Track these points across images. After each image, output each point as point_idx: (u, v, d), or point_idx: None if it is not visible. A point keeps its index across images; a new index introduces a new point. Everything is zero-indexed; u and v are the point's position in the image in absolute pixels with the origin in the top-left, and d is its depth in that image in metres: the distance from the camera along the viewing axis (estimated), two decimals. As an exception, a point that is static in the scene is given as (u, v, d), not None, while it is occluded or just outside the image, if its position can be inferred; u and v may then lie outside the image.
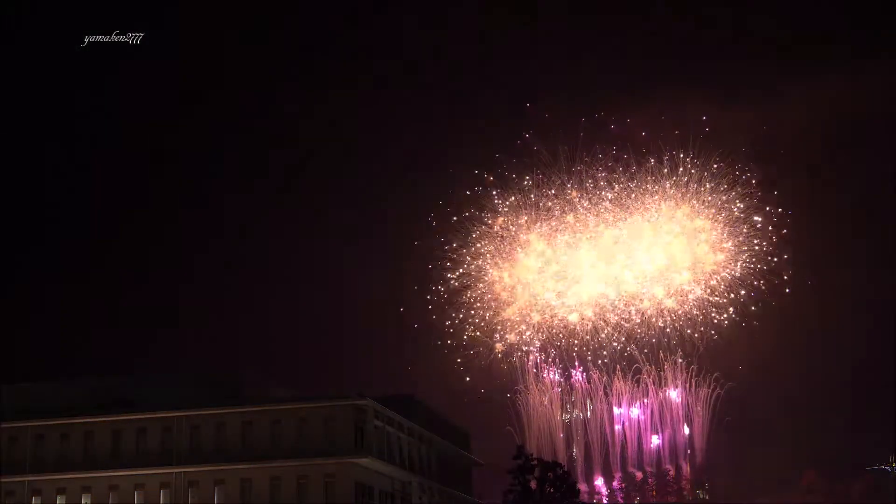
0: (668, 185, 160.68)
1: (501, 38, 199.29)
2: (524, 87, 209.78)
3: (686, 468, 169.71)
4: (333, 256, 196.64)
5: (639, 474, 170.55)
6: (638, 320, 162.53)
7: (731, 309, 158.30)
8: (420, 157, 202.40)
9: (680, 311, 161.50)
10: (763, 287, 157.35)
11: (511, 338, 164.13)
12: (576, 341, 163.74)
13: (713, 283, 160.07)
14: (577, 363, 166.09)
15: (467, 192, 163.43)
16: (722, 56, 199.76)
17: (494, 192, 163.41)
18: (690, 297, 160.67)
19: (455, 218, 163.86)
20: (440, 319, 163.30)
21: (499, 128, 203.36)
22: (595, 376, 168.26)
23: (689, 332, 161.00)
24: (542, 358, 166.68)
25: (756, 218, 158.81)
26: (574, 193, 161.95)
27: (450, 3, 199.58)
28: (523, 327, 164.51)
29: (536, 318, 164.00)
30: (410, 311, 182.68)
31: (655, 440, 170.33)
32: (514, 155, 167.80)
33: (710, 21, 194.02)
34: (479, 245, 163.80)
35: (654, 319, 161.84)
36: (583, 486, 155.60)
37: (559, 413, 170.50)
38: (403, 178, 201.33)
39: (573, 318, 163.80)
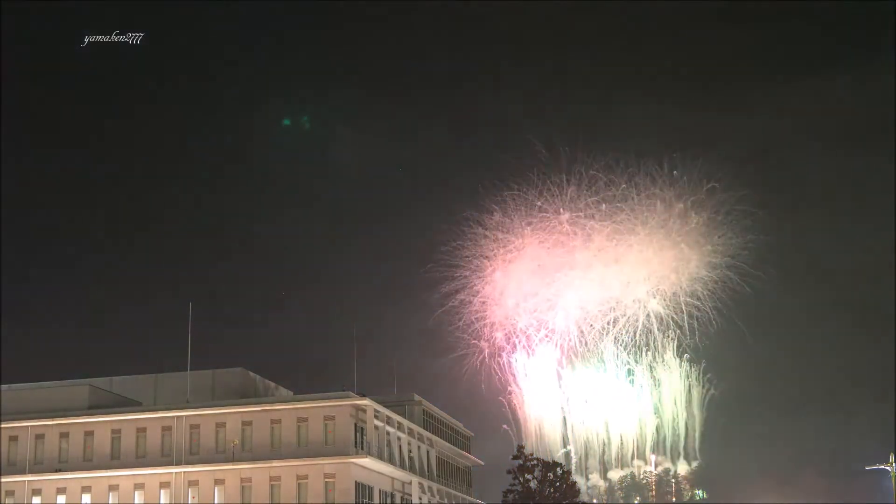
0: (659, 188, 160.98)
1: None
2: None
3: (685, 467, 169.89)
4: (334, 256, 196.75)
5: (637, 472, 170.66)
6: (624, 322, 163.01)
7: (723, 310, 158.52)
8: (421, 158, 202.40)
9: (665, 313, 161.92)
10: (757, 287, 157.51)
11: (500, 337, 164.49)
12: (568, 340, 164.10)
13: (699, 286, 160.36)
14: (566, 363, 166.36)
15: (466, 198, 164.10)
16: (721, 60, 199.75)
17: (491, 192, 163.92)
18: (677, 298, 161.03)
19: (453, 218, 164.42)
20: (439, 319, 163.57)
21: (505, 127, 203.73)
22: (589, 376, 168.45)
23: (677, 332, 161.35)
24: (531, 357, 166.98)
25: (747, 220, 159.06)
26: (571, 190, 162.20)
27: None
28: (511, 328, 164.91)
29: (524, 319, 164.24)
30: (411, 311, 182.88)
31: (652, 439, 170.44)
32: (516, 153, 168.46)
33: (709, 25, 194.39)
34: (475, 246, 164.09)
35: (640, 321, 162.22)
36: (579, 479, 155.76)
37: (554, 412, 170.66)
38: (404, 180, 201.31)
39: (559, 319, 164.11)
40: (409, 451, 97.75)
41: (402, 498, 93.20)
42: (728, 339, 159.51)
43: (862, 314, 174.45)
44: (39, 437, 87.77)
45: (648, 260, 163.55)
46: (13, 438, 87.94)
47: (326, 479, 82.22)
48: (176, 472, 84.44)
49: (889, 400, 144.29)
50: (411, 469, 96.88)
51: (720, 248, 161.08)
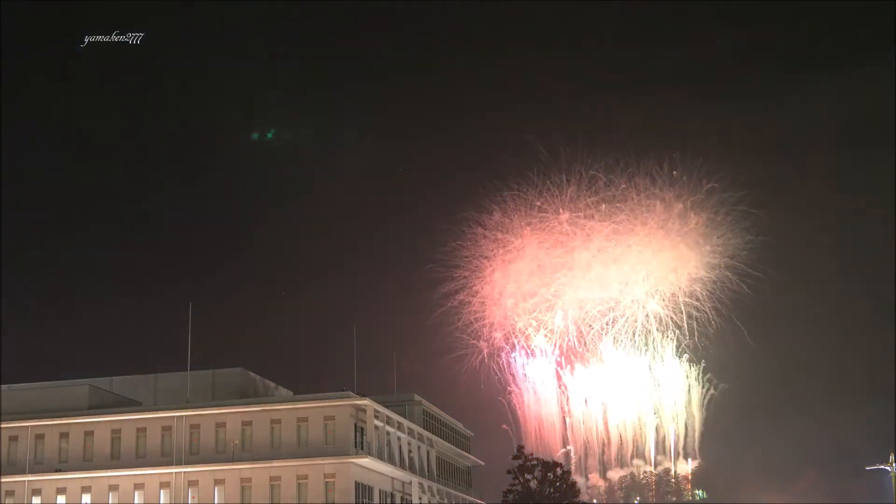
0: (659, 188, 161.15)
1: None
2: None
3: (685, 467, 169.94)
4: (334, 257, 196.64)
5: (637, 472, 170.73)
6: (623, 322, 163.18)
7: (722, 310, 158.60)
8: (421, 158, 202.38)
9: (664, 314, 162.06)
10: (756, 287, 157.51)
11: (498, 337, 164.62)
12: (567, 340, 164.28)
13: (698, 286, 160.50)
14: (565, 363, 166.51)
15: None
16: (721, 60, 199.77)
17: (490, 191, 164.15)
18: (676, 299, 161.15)
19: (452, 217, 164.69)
20: (439, 319, 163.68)
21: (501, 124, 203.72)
22: (587, 374, 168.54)
23: (677, 332, 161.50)
24: (530, 357, 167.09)
25: (747, 221, 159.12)
26: (571, 190, 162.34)
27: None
28: (510, 328, 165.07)
29: (523, 319, 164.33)
30: (411, 311, 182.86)
31: (652, 439, 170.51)
32: (515, 153, 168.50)
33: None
34: (475, 246, 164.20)
35: (639, 321, 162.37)
36: (579, 479, 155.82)
37: (554, 412, 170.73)
38: (404, 180, 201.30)
39: (558, 319, 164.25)
40: (409, 451, 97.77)
41: (402, 498, 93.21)
42: (727, 339, 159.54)
43: (862, 314, 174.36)
44: (39, 437, 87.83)
45: (647, 260, 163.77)
46: (13, 438, 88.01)
47: (326, 479, 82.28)
48: (176, 472, 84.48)
49: (889, 400, 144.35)
50: (411, 469, 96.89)
51: (719, 248, 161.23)
